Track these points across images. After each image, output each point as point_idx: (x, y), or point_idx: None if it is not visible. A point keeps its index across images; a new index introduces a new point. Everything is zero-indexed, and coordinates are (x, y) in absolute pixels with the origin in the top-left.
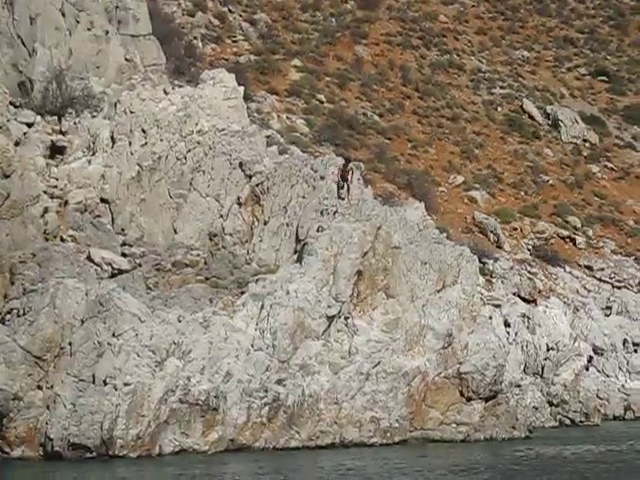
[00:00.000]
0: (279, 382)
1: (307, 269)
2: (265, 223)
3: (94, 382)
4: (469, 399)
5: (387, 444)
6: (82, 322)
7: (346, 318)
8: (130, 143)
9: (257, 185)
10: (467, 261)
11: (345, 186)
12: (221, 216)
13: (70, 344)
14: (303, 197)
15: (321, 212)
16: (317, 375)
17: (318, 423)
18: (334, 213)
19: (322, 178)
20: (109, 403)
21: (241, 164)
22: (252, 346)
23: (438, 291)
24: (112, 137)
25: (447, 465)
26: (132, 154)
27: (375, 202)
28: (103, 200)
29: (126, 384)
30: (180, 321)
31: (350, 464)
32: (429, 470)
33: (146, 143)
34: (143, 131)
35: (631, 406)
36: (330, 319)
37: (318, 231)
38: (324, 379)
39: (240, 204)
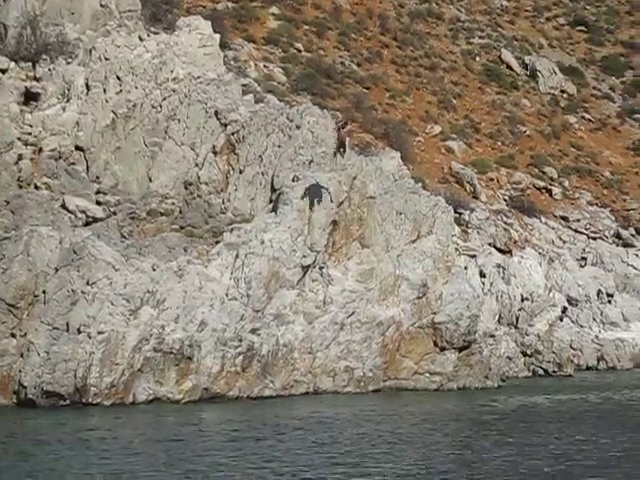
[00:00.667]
0: (253, 331)
1: (282, 219)
2: (240, 172)
3: (68, 330)
4: (443, 349)
5: (361, 393)
6: (56, 270)
7: (321, 268)
8: (105, 90)
9: (233, 134)
10: (442, 211)
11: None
12: (196, 165)
13: (44, 292)
14: (279, 146)
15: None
16: (291, 325)
17: (292, 372)
18: (309, 163)
19: (298, 127)
20: (83, 351)
21: (217, 112)
22: (226, 295)
23: (413, 241)
24: (87, 84)
25: (420, 413)
26: (107, 101)
27: (351, 152)
28: (78, 148)
29: (100, 332)
30: (154, 270)
31: (325, 412)
32: (402, 417)
33: (121, 90)
34: (118, 78)
35: (604, 357)
36: (305, 269)
37: (293, 181)
38: (298, 329)
39: (215, 153)
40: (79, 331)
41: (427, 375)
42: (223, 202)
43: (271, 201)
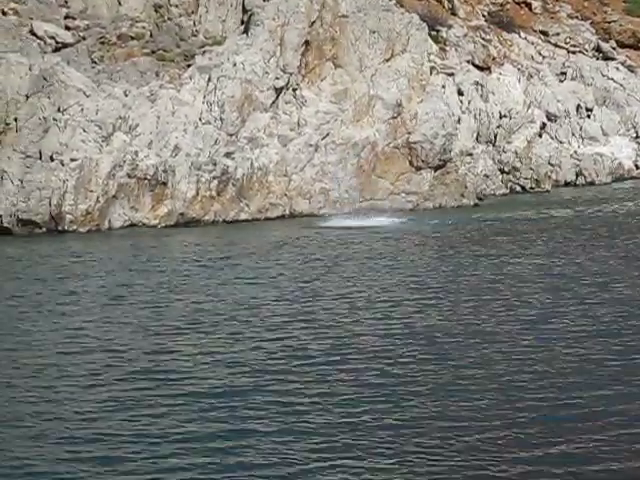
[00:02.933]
0: (228, 155)
1: (254, 40)
2: None
3: (41, 158)
4: (418, 168)
5: (337, 214)
6: (27, 97)
7: (294, 89)
8: None
9: None
10: (416, 29)
11: None
12: None
13: (15, 120)
14: None
15: None
16: (266, 148)
17: (267, 195)
18: None
19: None
20: (56, 179)
21: None
22: (200, 120)
23: (387, 60)
24: None
25: (397, 229)
26: None
27: None
28: None
29: (73, 159)
30: (126, 95)
31: (297, 234)
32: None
33: None
34: None
35: (582, 172)
36: (278, 91)
37: (264, 1)
38: (273, 151)
39: None
40: (52, 159)
41: (403, 195)
42: (194, 24)
43: (242, 22)
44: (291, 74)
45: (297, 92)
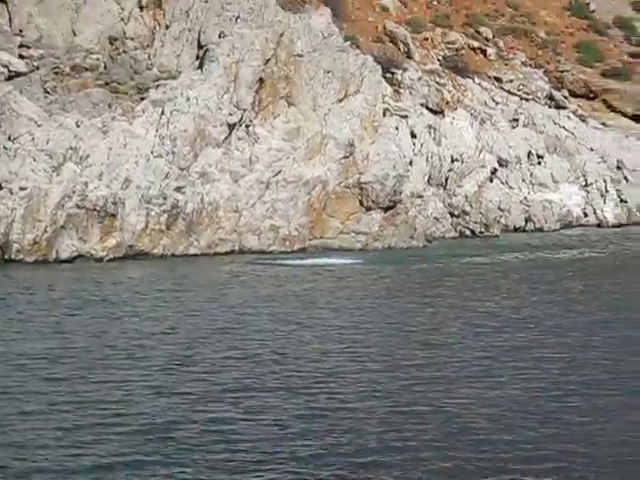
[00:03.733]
0: (178, 189)
1: (208, 75)
2: (167, 27)
3: None
4: (369, 209)
5: (286, 252)
6: None
7: (247, 126)
8: None
9: None
10: (370, 70)
11: None
12: (122, 19)
13: None
14: (205, 1)
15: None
16: (217, 183)
17: (217, 231)
18: (236, 19)
19: None
20: (5, 207)
21: None
22: (152, 153)
23: (340, 100)
24: None
25: (346, 269)
26: None
27: (278, 8)
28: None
29: (22, 188)
30: (78, 126)
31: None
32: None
33: None
34: None
35: (532, 217)
36: (231, 127)
37: (220, 37)
38: (224, 187)
39: (141, 7)
40: (0, 187)
41: (353, 234)
42: (149, 58)
43: (198, 58)
44: (244, 110)
45: (250, 129)
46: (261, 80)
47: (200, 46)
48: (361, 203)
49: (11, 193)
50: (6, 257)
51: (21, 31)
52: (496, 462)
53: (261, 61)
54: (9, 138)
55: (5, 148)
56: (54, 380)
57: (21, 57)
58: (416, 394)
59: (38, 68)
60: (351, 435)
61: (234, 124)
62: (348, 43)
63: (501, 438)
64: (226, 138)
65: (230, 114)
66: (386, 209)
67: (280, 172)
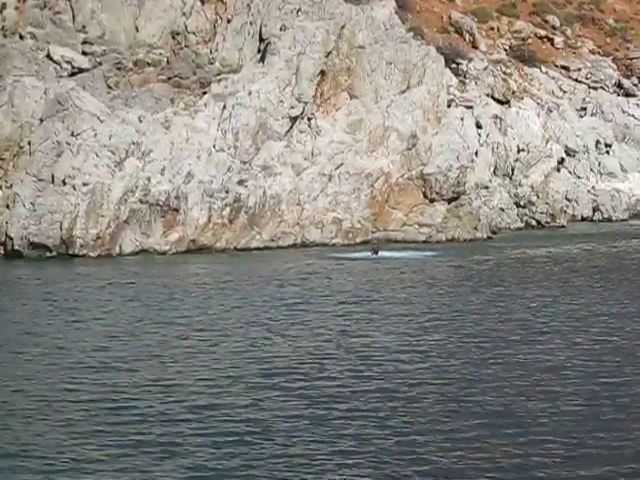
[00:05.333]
0: (241, 183)
1: (269, 69)
2: (228, 21)
3: (53, 182)
4: (432, 200)
5: (349, 244)
6: (41, 121)
7: (309, 119)
8: None
9: None
10: (433, 61)
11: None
12: (184, 14)
13: (29, 143)
14: None
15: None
16: (279, 176)
17: (280, 224)
18: (297, 11)
19: None
20: (68, 203)
21: None
22: (214, 147)
23: (403, 92)
24: None
25: (400, 264)
26: None
27: (340, 0)
28: None
29: (85, 184)
30: (141, 121)
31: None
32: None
33: None
34: None
35: (599, 207)
36: (293, 120)
37: (281, 30)
38: (286, 180)
39: (203, 2)
40: (64, 183)
41: (416, 227)
42: (211, 52)
43: (259, 51)
44: (306, 103)
45: (312, 121)
46: (322, 72)
47: (261, 39)
48: (424, 195)
49: (74, 189)
50: (70, 252)
51: (84, 27)
52: None
53: (322, 53)
54: (72, 134)
55: (68, 144)
56: None
57: (84, 53)
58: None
59: (101, 64)
60: None
61: (296, 117)
62: (411, 34)
63: None
64: (288, 131)
65: (292, 107)
66: (450, 200)
67: (342, 165)
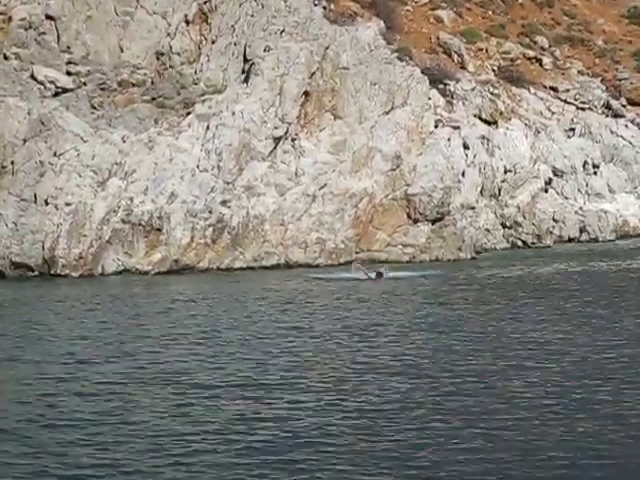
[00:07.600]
0: (224, 203)
1: (253, 89)
2: (213, 42)
3: (35, 202)
4: (416, 221)
5: (332, 265)
6: (24, 141)
7: (293, 139)
8: None
9: (205, 2)
10: (417, 82)
11: None
12: (168, 34)
13: (12, 163)
14: (252, 15)
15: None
16: (263, 196)
17: (263, 244)
18: (281, 32)
19: None
20: (50, 223)
21: None
22: (197, 167)
23: (387, 112)
24: None
25: (389, 284)
26: None
27: (323, 21)
28: (48, 17)
29: (67, 204)
30: (124, 141)
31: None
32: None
33: None
34: None
35: (586, 228)
36: (276, 140)
37: (265, 51)
38: (270, 200)
39: (188, 22)
40: (47, 202)
41: (400, 247)
42: (195, 72)
43: (243, 72)
44: (290, 124)
45: (295, 142)
46: (306, 93)
47: (246, 60)
48: (408, 215)
49: (57, 208)
50: (52, 272)
51: (69, 47)
52: None
53: (306, 74)
54: (55, 154)
55: (51, 164)
56: None
57: (68, 74)
58: None
59: (85, 84)
60: None
61: (279, 137)
62: (395, 55)
63: None
64: (271, 152)
65: (275, 128)
66: (434, 221)
67: (326, 185)
